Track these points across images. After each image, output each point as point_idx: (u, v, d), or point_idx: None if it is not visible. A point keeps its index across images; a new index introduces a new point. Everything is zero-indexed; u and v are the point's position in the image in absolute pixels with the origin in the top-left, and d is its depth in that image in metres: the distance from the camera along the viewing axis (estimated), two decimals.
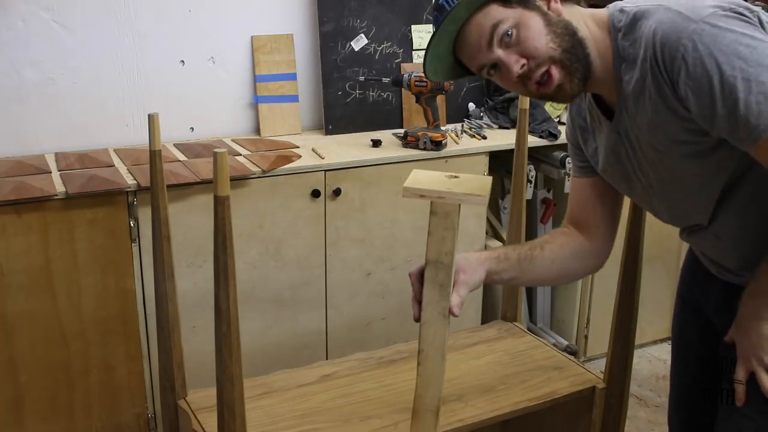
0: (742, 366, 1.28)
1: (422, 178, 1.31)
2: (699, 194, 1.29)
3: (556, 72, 1.24)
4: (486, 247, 2.69)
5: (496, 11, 1.23)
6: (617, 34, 1.23)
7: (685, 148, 1.22)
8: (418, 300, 1.26)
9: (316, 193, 2.33)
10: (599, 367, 2.05)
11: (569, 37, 1.23)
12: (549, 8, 1.24)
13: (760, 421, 1.31)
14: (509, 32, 1.22)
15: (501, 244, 2.74)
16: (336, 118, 2.70)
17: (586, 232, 1.51)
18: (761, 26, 1.15)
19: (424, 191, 1.30)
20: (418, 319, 1.27)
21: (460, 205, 1.25)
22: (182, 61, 2.55)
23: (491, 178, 1.33)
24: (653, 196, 1.37)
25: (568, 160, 2.71)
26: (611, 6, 1.27)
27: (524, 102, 2.09)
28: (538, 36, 1.22)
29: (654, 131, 1.23)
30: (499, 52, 1.24)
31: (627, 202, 1.56)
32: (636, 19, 1.20)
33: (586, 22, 1.26)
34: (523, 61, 1.23)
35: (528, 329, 2.21)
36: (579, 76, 1.25)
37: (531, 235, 2.76)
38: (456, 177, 1.29)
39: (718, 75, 1.10)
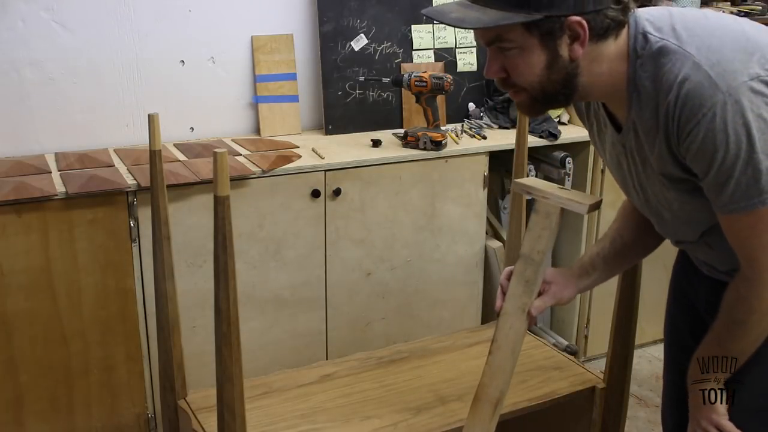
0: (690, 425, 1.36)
1: (532, 181, 1.37)
2: (689, 222, 1.32)
3: (524, 97, 1.25)
4: (486, 248, 2.70)
5: (514, 33, 1.19)
6: (636, 60, 1.20)
7: (682, 185, 1.25)
8: (504, 292, 1.30)
9: (316, 193, 2.33)
10: (599, 367, 2.05)
11: (559, 84, 1.21)
12: (569, 49, 1.18)
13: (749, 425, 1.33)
14: (510, 49, 1.20)
15: (501, 244, 2.74)
16: (336, 118, 2.70)
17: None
18: None
19: (533, 189, 1.34)
20: (498, 312, 1.30)
21: (562, 208, 1.27)
22: (182, 61, 2.55)
23: (600, 198, 1.39)
24: (646, 208, 1.38)
25: (569, 160, 2.71)
26: (637, 24, 1.21)
27: None
28: (530, 73, 1.20)
29: (657, 161, 1.24)
30: (492, 50, 1.23)
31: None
32: (660, 55, 1.17)
33: (603, 60, 1.21)
34: (503, 75, 1.23)
35: (528, 329, 2.21)
36: (542, 108, 1.28)
37: None
38: (564, 188, 1.35)
39: (724, 151, 1.12)
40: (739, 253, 1.22)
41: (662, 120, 1.17)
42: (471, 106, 2.87)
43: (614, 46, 1.20)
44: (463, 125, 2.79)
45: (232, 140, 2.58)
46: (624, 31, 1.21)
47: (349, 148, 2.52)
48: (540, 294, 1.38)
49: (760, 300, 1.22)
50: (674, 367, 1.61)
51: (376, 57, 2.74)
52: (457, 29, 2.85)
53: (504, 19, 1.15)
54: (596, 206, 1.33)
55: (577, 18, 1.15)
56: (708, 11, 1.28)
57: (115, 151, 2.42)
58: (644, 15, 1.22)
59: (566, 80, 1.20)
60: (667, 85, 1.15)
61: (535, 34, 1.16)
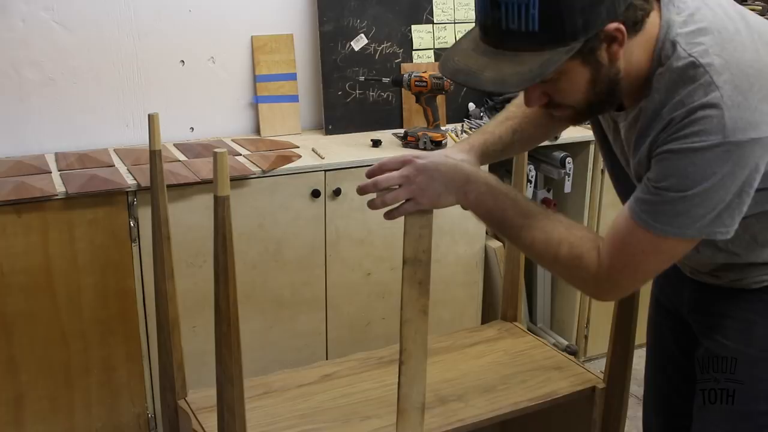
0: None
1: None
2: None
3: (569, 113, 1.20)
4: (486, 248, 2.70)
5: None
6: (657, 68, 1.13)
7: None
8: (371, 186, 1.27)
9: (316, 193, 2.33)
10: (599, 367, 2.05)
11: (604, 94, 1.15)
12: (608, 54, 1.11)
13: (734, 422, 1.32)
14: (550, 78, 1.12)
15: (501, 244, 2.74)
16: (336, 118, 2.70)
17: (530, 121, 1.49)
18: None
19: None
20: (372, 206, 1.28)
21: None
22: (182, 61, 2.55)
23: None
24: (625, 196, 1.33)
25: (568, 160, 2.71)
26: (669, 28, 1.13)
27: None
28: (576, 92, 1.15)
29: (636, 165, 1.22)
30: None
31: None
32: (684, 74, 1.10)
33: (632, 54, 1.14)
34: (545, 100, 1.18)
35: (528, 329, 2.21)
36: (588, 118, 1.26)
37: None
38: None
39: (679, 179, 1.09)
40: (611, 243, 1.18)
41: (658, 126, 1.12)
42: (471, 106, 2.87)
43: (641, 39, 1.13)
44: (463, 125, 2.79)
45: (232, 140, 2.58)
46: (650, 25, 1.13)
47: (349, 148, 2.52)
48: None
49: (581, 272, 1.20)
50: (657, 371, 1.60)
51: (376, 57, 2.74)
52: (456, 29, 2.85)
53: (547, 64, 1.06)
54: None
55: (615, 24, 1.08)
56: (749, 16, 1.17)
57: (115, 151, 2.42)
58: (676, 15, 1.13)
59: (611, 88, 1.15)
60: (681, 105, 1.09)
61: (576, 57, 1.09)
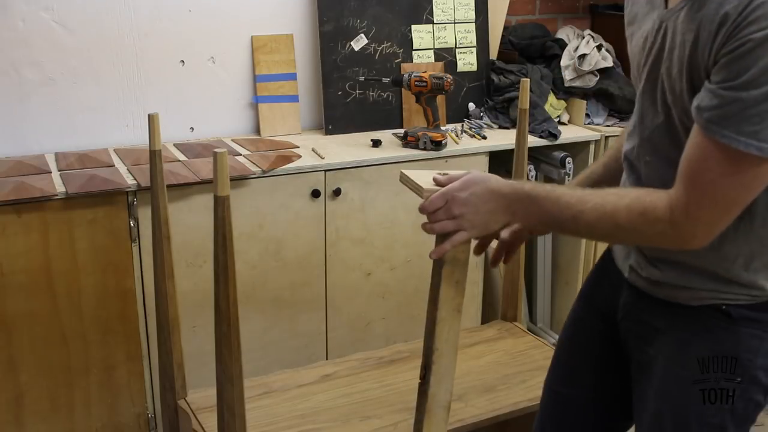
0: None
1: (416, 174, 1.31)
2: (657, 148, 1.22)
3: None
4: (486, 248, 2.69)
5: None
6: None
7: (673, 102, 1.15)
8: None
9: (316, 193, 2.33)
10: None
11: None
12: None
13: None
14: None
15: None
16: (336, 118, 2.70)
17: None
18: None
19: (415, 186, 1.29)
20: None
21: None
22: (182, 61, 2.55)
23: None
24: (638, 105, 1.26)
25: (568, 160, 2.71)
26: None
27: (524, 102, 2.09)
28: None
29: (668, 66, 1.14)
30: None
31: None
32: None
33: None
34: None
35: (528, 329, 2.21)
36: None
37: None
38: (446, 173, 1.29)
39: (762, 71, 0.99)
40: (683, 177, 1.10)
41: (715, 19, 1.03)
42: (471, 106, 2.87)
43: None
44: (463, 125, 2.79)
45: (232, 140, 2.58)
46: None
47: (349, 148, 2.52)
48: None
49: (653, 226, 1.12)
50: (566, 378, 1.49)
51: (376, 57, 2.74)
52: (456, 29, 2.85)
53: None
54: None
55: None
56: None
57: (115, 151, 2.42)
58: None
59: None
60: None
61: None
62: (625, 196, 1.15)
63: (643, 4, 1.25)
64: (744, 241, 1.17)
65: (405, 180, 1.31)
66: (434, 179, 1.25)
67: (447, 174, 1.26)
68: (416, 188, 1.27)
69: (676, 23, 1.12)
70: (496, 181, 1.21)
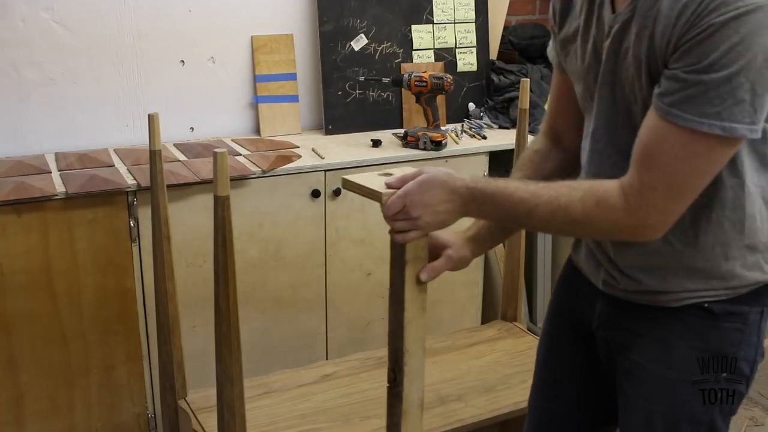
0: None
1: (360, 178, 1.29)
2: (613, 141, 1.21)
3: None
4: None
5: None
6: None
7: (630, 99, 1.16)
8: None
9: (316, 193, 2.33)
10: None
11: None
12: None
13: None
14: None
15: (501, 244, 2.74)
16: (336, 118, 2.70)
17: (564, 143, 1.41)
18: None
19: (362, 189, 1.28)
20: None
21: None
22: (182, 61, 2.55)
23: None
24: (591, 121, 1.26)
25: None
26: None
27: (524, 102, 2.09)
28: None
29: (623, 64, 1.15)
30: None
31: None
32: None
33: None
34: None
35: (528, 329, 2.21)
36: None
37: (529, 235, 2.76)
38: (389, 173, 1.27)
39: (724, 53, 1.00)
40: (637, 161, 1.09)
41: (673, 11, 1.04)
42: (471, 106, 2.87)
43: None
44: (463, 125, 2.79)
45: (232, 140, 2.58)
46: None
47: (349, 148, 2.52)
48: (435, 257, 1.28)
49: (608, 215, 1.10)
50: (549, 393, 1.47)
51: (376, 57, 2.74)
52: (456, 29, 2.85)
53: None
54: None
55: None
56: None
57: (115, 151, 2.42)
58: None
59: None
60: None
61: None
62: (577, 189, 1.13)
63: (580, 20, 1.25)
64: (718, 230, 1.17)
65: (353, 186, 1.29)
66: (387, 184, 1.23)
67: (393, 174, 1.24)
68: (371, 194, 1.25)
69: (629, 24, 1.13)
70: (452, 179, 1.19)
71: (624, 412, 1.32)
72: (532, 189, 1.16)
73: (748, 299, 1.21)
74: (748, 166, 1.14)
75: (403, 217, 1.20)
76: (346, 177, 1.29)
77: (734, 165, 1.13)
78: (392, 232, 1.22)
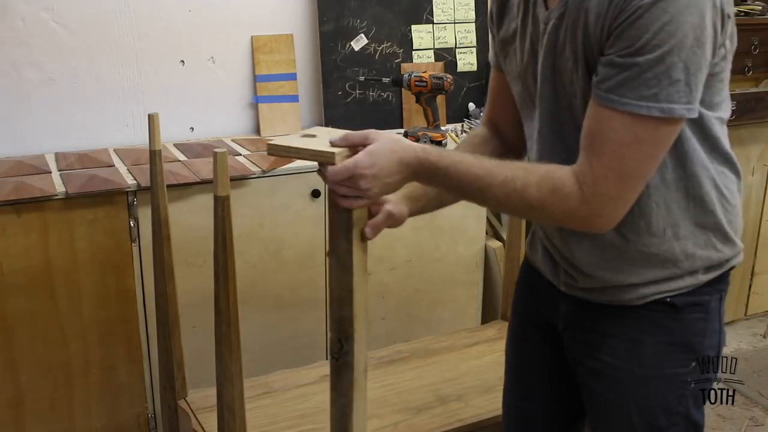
0: None
1: (289, 140, 1.23)
2: (559, 136, 1.22)
3: None
4: (486, 248, 2.70)
5: None
6: None
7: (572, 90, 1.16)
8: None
9: (316, 193, 2.33)
10: None
11: None
12: None
13: None
14: None
15: (501, 244, 2.74)
16: (336, 118, 2.70)
17: (502, 133, 1.43)
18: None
19: (289, 150, 1.21)
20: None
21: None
22: (182, 61, 2.55)
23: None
24: (534, 120, 1.26)
25: None
26: None
27: None
28: None
29: (560, 55, 1.16)
30: None
31: None
32: None
33: None
34: None
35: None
36: None
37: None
38: (310, 135, 1.22)
39: (654, 34, 1.02)
40: (586, 150, 1.10)
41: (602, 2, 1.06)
42: (471, 106, 2.87)
43: None
44: (463, 125, 2.79)
45: (232, 140, 2.58)
46: None
47: None
48: (373, 214, 1.25)
49: (565, 202, 1.10)
50: (522, 394, 1.48)
51: (376, 57, 2.74)
52: (456, 29, 2.85)
53: None
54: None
55: None
56: None
57: (115, 151, 2.42)
58: None
59: None
60: None
61: None
62: (533, 173, 1.12)
63: (517, 20, 1.27)
64: (666, 211, 1.18)
65: (284, 150, 1.21)
66: (332, 142, 1.19)
67: (317, 137, 1.20)
68: (317, 155, 1.18)
69: (562, 19, 1.14)
70: (402, 149, 1.16)
71: (595, 411, 1.33)
72: (487, 166, 1.14)
73: (709, 289, 1.24)
74: (693, 147, 1.16)
75: (349, 185, 1.16)
76: (272, 142, 1.21)
77: (676, 147, 1.14)
78: (336, 196, 1.19)
